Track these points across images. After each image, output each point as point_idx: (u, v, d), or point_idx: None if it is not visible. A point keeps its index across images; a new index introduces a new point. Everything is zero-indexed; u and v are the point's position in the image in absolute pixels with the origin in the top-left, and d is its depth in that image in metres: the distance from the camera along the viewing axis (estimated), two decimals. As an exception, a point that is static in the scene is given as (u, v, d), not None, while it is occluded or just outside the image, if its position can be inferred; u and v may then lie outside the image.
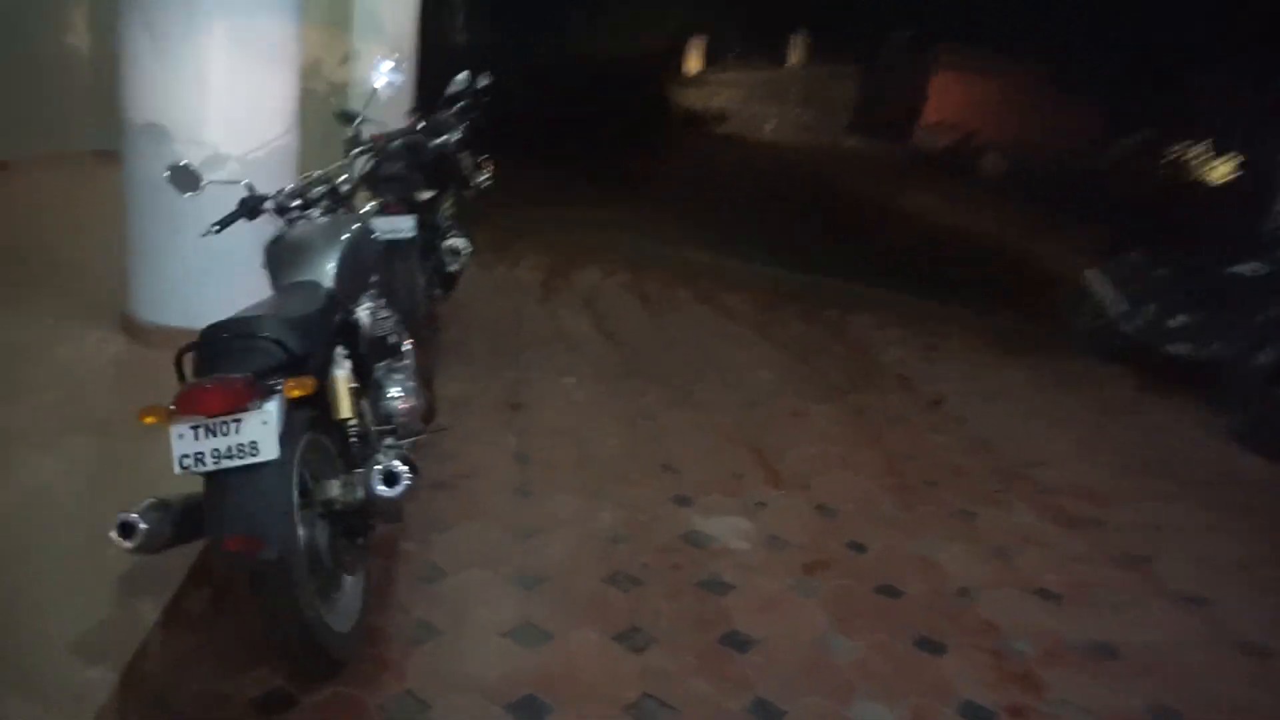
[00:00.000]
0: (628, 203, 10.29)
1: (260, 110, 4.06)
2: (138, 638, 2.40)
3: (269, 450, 2.02)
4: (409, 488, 2.26)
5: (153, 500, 2.10)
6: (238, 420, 2.01)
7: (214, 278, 3.57)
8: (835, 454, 4.25)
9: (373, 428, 2.76)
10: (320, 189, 3.18)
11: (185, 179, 2.88)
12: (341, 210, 3.27)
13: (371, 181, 4.63)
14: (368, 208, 3.43)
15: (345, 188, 3.26)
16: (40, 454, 3.19)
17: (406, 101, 8.41)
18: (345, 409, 2.42)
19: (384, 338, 3.01)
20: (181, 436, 2.00)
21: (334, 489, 2.35)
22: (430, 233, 4.97)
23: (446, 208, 5.34)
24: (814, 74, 22.24)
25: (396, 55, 3.46)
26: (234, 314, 2.30)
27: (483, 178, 7.84)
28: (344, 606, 2.50)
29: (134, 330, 4.01)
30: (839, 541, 3.46)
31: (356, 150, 3.32)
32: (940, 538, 3.59)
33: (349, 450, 2.51)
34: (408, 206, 4.47)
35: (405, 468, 2.27)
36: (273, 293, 2.78)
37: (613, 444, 4.03)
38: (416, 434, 2.99)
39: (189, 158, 3.02)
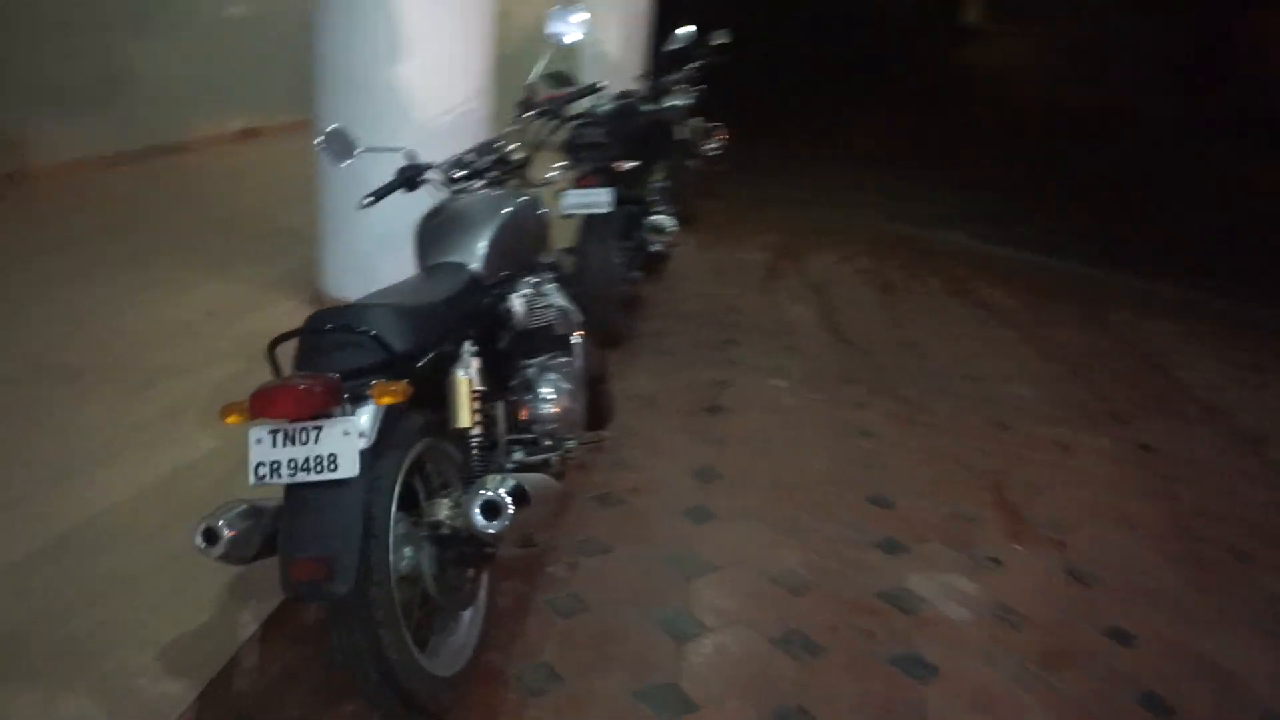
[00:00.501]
0: (877, 177, 9.37)
1: (453, 73, 3.82)
2: (230, 650, 2.18)
3: (348, 467, 1.66)
4: (508, 524, 1.82)
5: (245, 505, 1.82)
6: (319, 428, 1.67)
7: (394, 252, 3.36)
8: (1105, 503, 3.36)
9: (505, 437, 2.36)
10: (489, 157, 2.83)
11: (339, 146, 2.62)
12: (514, 182, 2.92)
13: (569, 149, 4.29)
14: (547, 177, 3.04)
15: (518, 156, 2.90)
16: (199, 431, 3.11)
17: (638, 64, 8.13)
18: (464, 417, 2.02)
19: (542, 329, 2.61)
20: (259, 441, 1.70)
21: (443, 509, 1.96)
22: (634, 208, 4.55)
23: (657, 180, 4.90)
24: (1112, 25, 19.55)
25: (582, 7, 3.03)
26: (358, 299, 1.98)
27: (710, 147, 7.38)
28: (451, 645, 2.13)
29: (320, 304, 3.94)
30: (1095, 624, 2.65)
31: (528, 114, 2.93)
32: (1247, 636, 2.67)
33: (471, 463, 2.13)
34: (606, 178, 4.07)
35: (509, 498, 1.83)
36: (414, 275, 2.47)
37: (817, 465, 3.41)
38: (566, 443, 2.57)
39: (375, 126, 2.80)
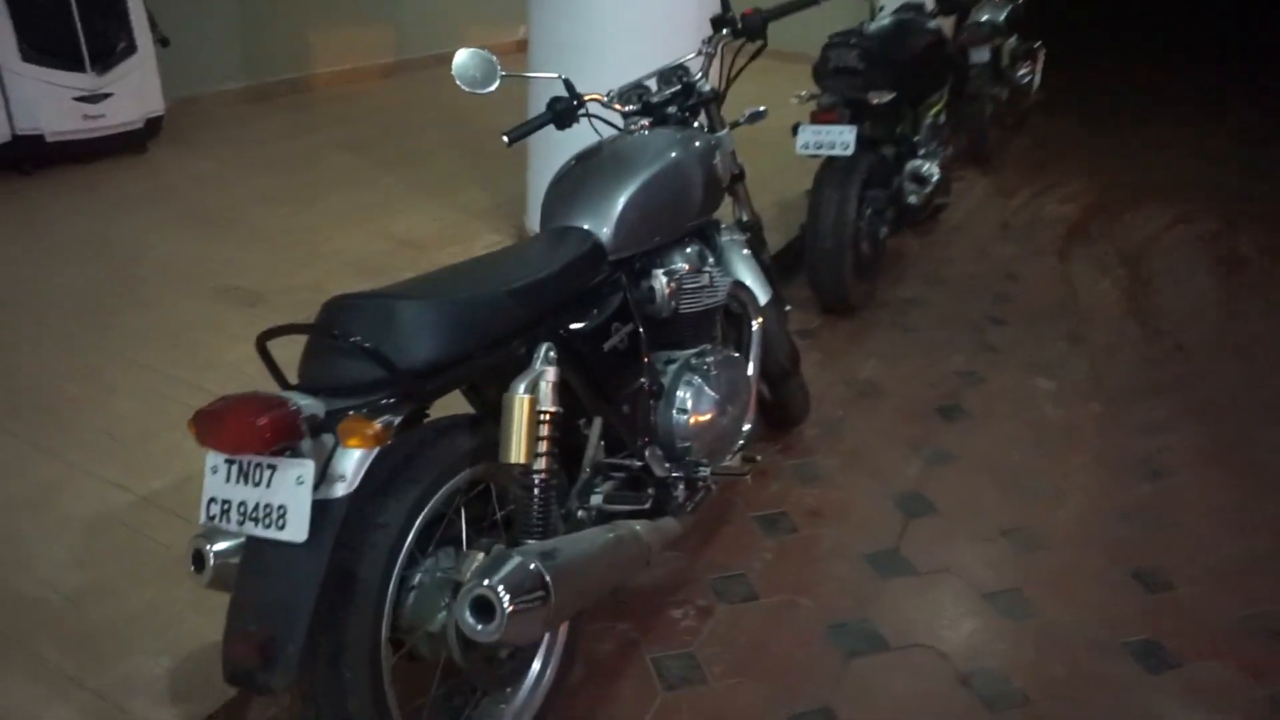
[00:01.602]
0: (1233, 120, 7.48)
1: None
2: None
3: (296, 527, 1.24)
4: (499, 628, 1.30)
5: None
6: (273, 467, 1.27)
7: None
8: None
9: (589, 467, 1.80)
10: (667, 90, 2.26)
11: (476, 73, 2.16)
12: (700, 121, 2.33)
13: (815, 74, 3.57)
14: (750, 113, 2.41)
15: (705, 88, 2.29)
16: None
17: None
18: (516, 449, 1.50)
19: (693, 317, 2.04)
20: (215, 471, 1.32)
21: (469, 569, 1.50)
22: (892, 150, 3.76)
23: (931, 116, 4.02)
24: None
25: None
26: (385, 287, 1.52)
27: (1023, 73, 6.13)
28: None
29: (523, 238, 3.61)
30: None
31: (723, 30, 2.30)
32: None
33: (533, 505, 1.61)
34: (853, 112, 3.33)
35: (507, 597, 1.31)
36: (519, 243, 1.97)
37: (1071, 510, 2.58)
38: (700, 470, 2.01)
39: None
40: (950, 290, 3.97)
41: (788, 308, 2.74)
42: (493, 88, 2.16)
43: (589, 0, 3.28)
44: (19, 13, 3.84)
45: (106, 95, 4.20)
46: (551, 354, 1.58)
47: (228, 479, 1.29)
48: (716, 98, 2.33)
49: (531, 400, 1.51)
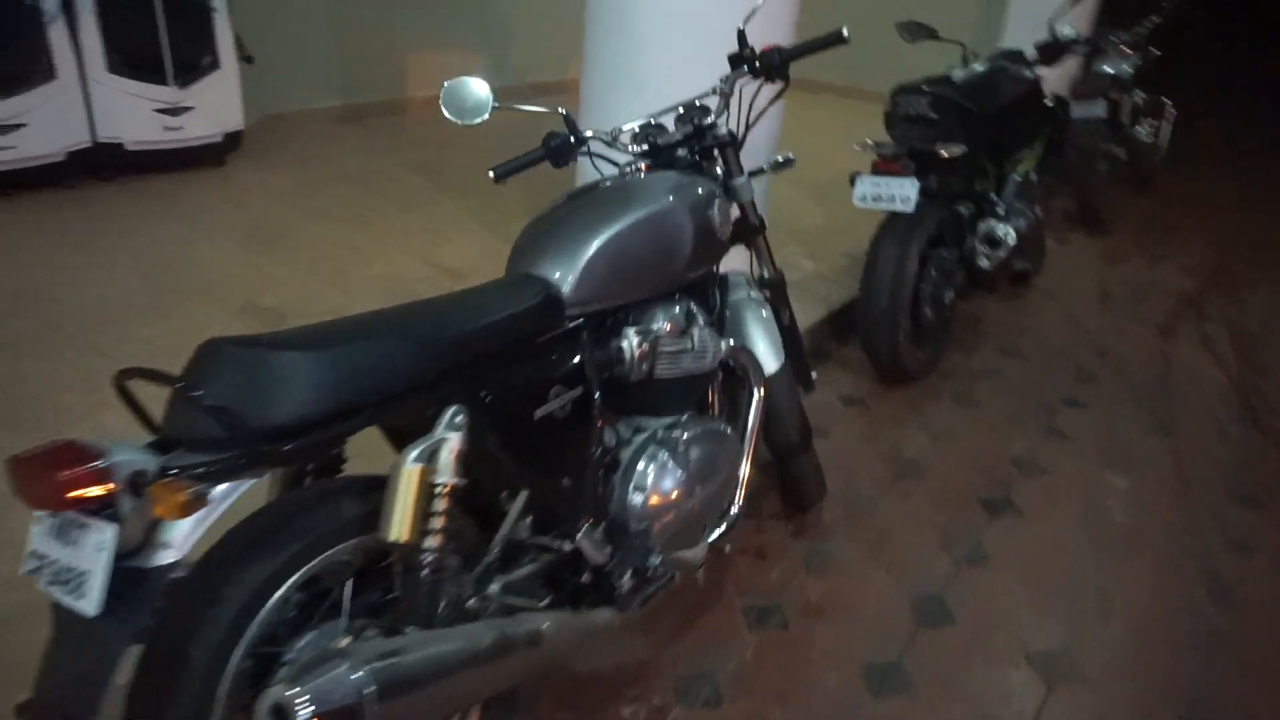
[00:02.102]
0: None
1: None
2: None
3: (89, 598, 1.10)
4: None
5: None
6: (84, 526, 1.13)
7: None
8: None
9: (496, 550, 1.57)
10: (677, 131, 2.07)
11: (466, 102, 2.03)
12: (714, 163, 2.13)
13: (886, 121, 3.31)
14: (770, 163, 2.19)
15: (721, 130, 2.09)
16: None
17: (1085, 13, 6.49)
18: (399, 527, 1.30)
19: (670, 383, 1.83)
20: (39, 521, 1.20)
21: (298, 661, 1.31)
22: (965, 208, 3.46)
23: (1021, 172, 3.70)
24: None
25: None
26: (264, 333, 1.36)
27: (1144, 131, 5.63)
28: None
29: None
30: None
31: (735, 74, 2.08)
32: None
33: (418, 589, 1.42)
34: (919, 165, 3.05)
35: (305, 700, 1.14)
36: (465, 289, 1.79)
37: (1114, 632, 2.21)
38: (652, 560, 1.79)
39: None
40: (1027, 364, 3.60)
41: (813, 375, 2.49)
42: (481, 119, 2.02)
43: (641, 29, 3.12)
44: (109, 25, 3.97)
45: (187, 109, 4.30)
46: (459, 419, 1.39)
47: (47, 532, 1.16)
48: (734, 141, 2.12)
49: (423, 471, 1.33)
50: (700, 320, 1.92)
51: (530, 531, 1.62)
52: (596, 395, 1.69)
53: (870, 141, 3.14)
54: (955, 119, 3.18)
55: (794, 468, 2.36)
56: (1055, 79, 4.96)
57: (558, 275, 1.64)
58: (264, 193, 4.47)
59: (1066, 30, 3.99)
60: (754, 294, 2.25)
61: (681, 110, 2.11)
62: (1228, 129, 8.29)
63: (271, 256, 3.75)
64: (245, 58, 4.56)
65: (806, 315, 3.52)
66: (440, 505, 1.36)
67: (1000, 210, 3.46)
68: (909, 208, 2.96)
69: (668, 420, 1.87)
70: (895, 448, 2.94)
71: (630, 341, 1.73)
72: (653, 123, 2.11)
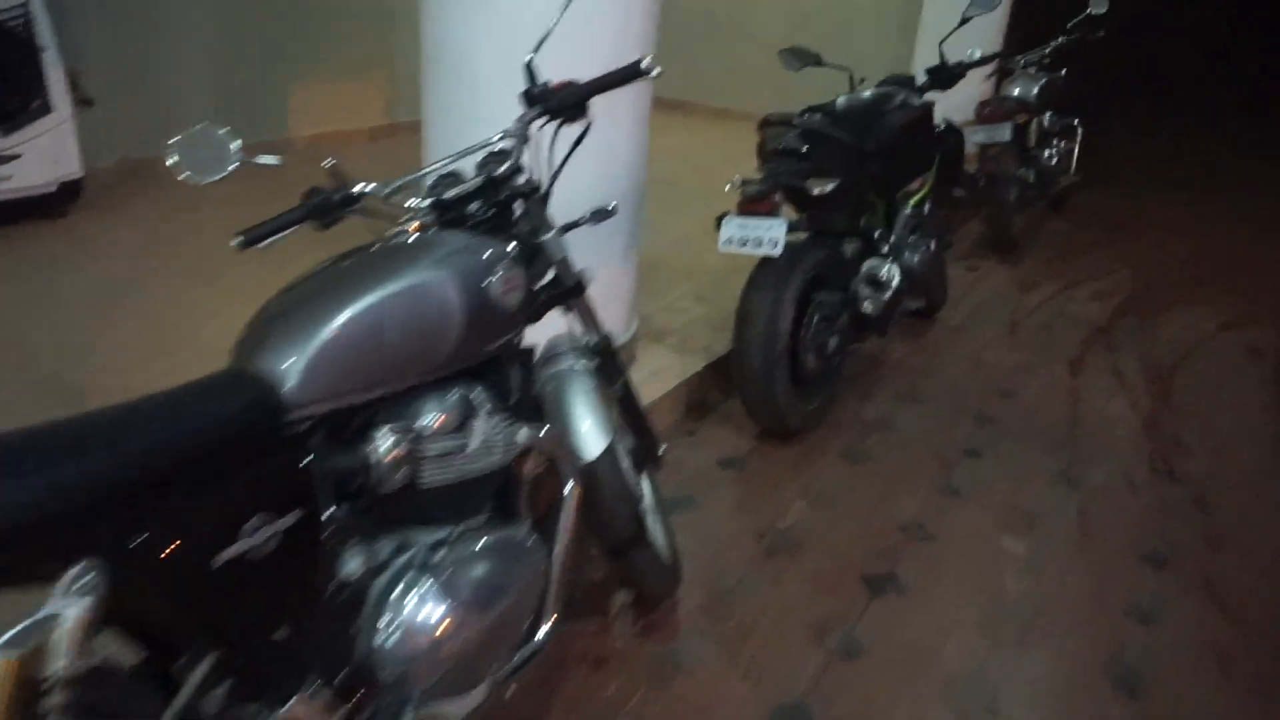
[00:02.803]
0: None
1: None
2: None
3: None
4: None
5: None
6: None
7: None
8: None
9: None
10: (470, 183, 1.77)
11: (207, 155, 1.69)
12: (521, 220, 1.82)
13: (765, 157, 3.05)
14: (588, 214, 1.90)
15: (519, 180, 1.79)
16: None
17: (991, 36, 6.38)
18: None
19: (443, 490, 1.51)
20: None
21: None
22: (858, 245, 3.21)
23: (913, 205, 3.46)
24: None
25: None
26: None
27: (1049, 154, 5.48)
28: None
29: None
30: None
31: (529, 113, 1.79)
32: None
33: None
34: (795, 202, 2.80)
35: None
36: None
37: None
38: (406, 709, 1.46)
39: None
40: (925, 410, 3.34)
41: (662, 448, 2.19)
42: (223, 174, 1.70)
43: (479, 70, 2.82)
44: (-83, 70, 3.59)
45: (13, 157, 3.91)
46: (89, 578, 1.06)
47: None
48: (536, 192, 1.82)
49: (19, 665, 0.99)
50: (487, 408, 1.61)
51: (223, 704, 1.28)
52: (327, 516, 1.36)
53: (738, 179, 2.87)
54: (829, 151, 2.92)
55: (631, 562, 2.05)
56: (960, 104, 4.79)
57: (281, 368, 1.31)
58: (108, 246, 4.08)
59: (974, 53, 3.79)
60: (578, 365, 1.95)
61: (480, 157, 1.82)
62: (1143, 145, 8.24)
63: (100, 319, 3.37)
64: (84, 100, 4.19)
65: (687, 365, 3.23)
66: (58, 698, 1.02)
67: (885, 248, 3.21)
68: (777, 251, 2.69)
69: (439, 534, 1.54)
70: (770, 518, 2.65)
71: (378, 446, 1.41)
72: (447, 173, 1.81)
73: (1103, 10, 5.14)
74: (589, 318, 2.01)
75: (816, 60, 3.52)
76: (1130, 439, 3.23)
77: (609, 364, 2.03)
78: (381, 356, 1.41)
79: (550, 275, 1.88)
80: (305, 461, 1.33)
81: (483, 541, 1.56)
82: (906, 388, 3.49)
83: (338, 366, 1.34)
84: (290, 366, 1.31)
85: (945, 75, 3.65)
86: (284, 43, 5.71)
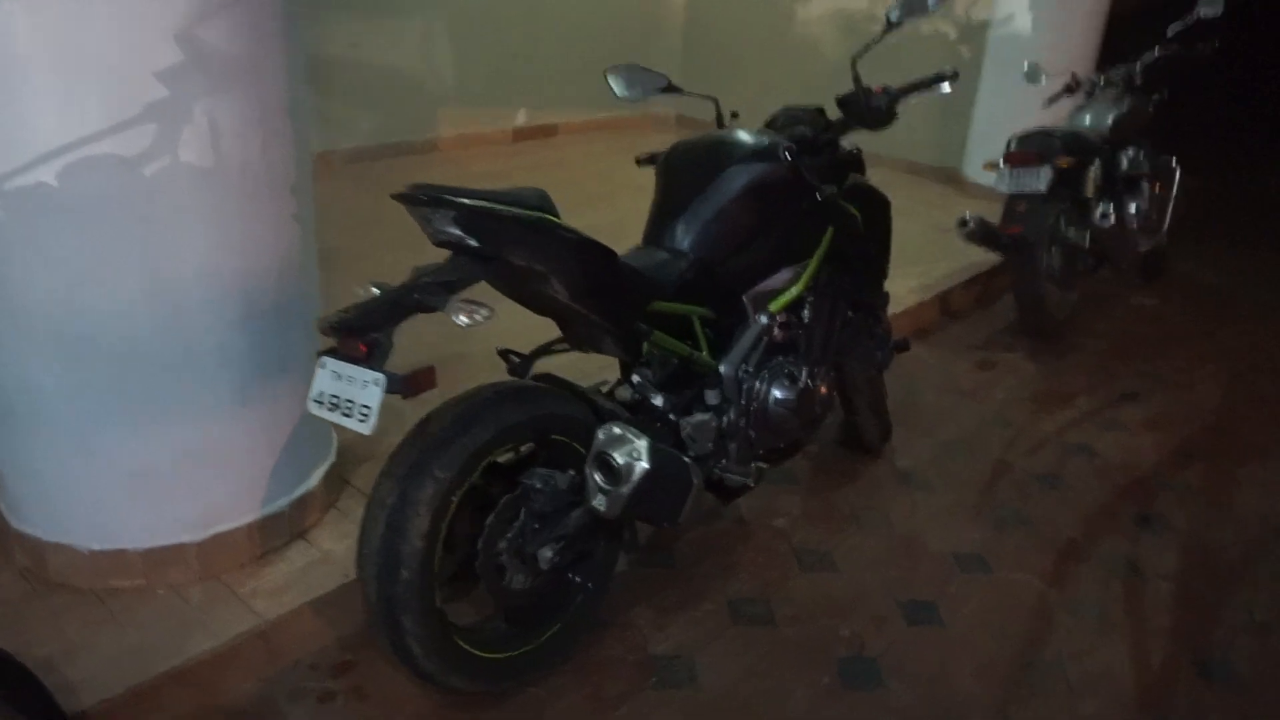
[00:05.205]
0: None
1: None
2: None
3: None
4: None
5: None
6: None
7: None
8: None
9: None
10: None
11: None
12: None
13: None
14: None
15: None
16: None
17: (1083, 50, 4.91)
18: None
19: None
20: None
21: None
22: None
23: (774, 309, 2.21)
24: None
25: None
26: None
27: (1134, 205, 3.97)
28: None
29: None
30: None
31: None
32: None
33: None
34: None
35: None
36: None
37: None
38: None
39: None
40: (770, 645, 2.07)
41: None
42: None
43: None
44: None
45: None
46: None
47: None
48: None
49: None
50: None
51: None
52: None
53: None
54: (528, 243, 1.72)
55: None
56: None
57: None
58: None
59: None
60: None
61: None
62: (1239, 195, 6.39)
63: None
64: None
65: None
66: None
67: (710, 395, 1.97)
68: (366, 429, 1.53)
69: None
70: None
71: None
72: None
73: (1217, 12, 3.68)
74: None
75: (667, 84, 2.29)
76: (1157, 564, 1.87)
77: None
78: None
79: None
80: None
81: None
82: (753, 597, 2.21)
83: None
84: None
85: (865, 107, 2.31)
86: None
